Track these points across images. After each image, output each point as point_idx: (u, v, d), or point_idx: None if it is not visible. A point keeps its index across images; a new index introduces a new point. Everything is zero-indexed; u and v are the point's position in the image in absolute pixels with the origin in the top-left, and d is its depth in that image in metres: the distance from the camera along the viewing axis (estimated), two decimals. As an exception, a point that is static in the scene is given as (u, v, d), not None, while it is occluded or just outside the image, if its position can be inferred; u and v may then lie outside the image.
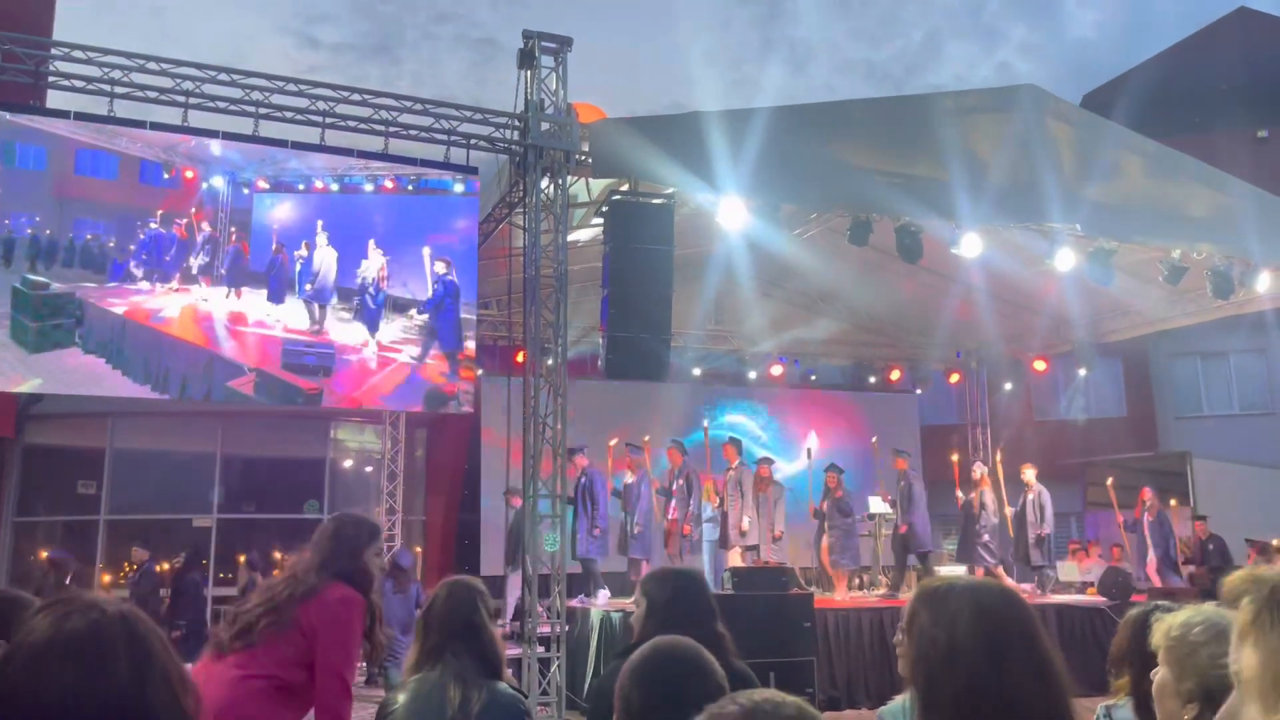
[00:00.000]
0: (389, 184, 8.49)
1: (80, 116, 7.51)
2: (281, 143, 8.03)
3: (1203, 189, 9.98)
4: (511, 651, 7.36)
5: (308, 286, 8.07)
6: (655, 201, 8.20)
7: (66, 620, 1.24)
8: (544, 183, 8.23)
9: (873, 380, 15.75)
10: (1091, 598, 10.68)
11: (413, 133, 8.21)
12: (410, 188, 8.53)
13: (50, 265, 7.34)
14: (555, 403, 8.03)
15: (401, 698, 2.64)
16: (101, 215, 7.66)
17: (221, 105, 7.75)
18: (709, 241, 9.89)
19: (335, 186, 8.31)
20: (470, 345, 8.63)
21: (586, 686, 8.57)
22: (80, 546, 13.76)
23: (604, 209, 8.34)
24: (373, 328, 8.19)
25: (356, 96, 8.09)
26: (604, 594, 10.26)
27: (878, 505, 11.64)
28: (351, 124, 8.09)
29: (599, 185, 8.89)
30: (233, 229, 7.96)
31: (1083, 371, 14.29)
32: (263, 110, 7.79)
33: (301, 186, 8.20)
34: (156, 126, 7.68)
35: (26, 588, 9.25)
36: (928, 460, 14.85)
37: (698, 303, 11.91)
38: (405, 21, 58.17)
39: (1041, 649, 1.62)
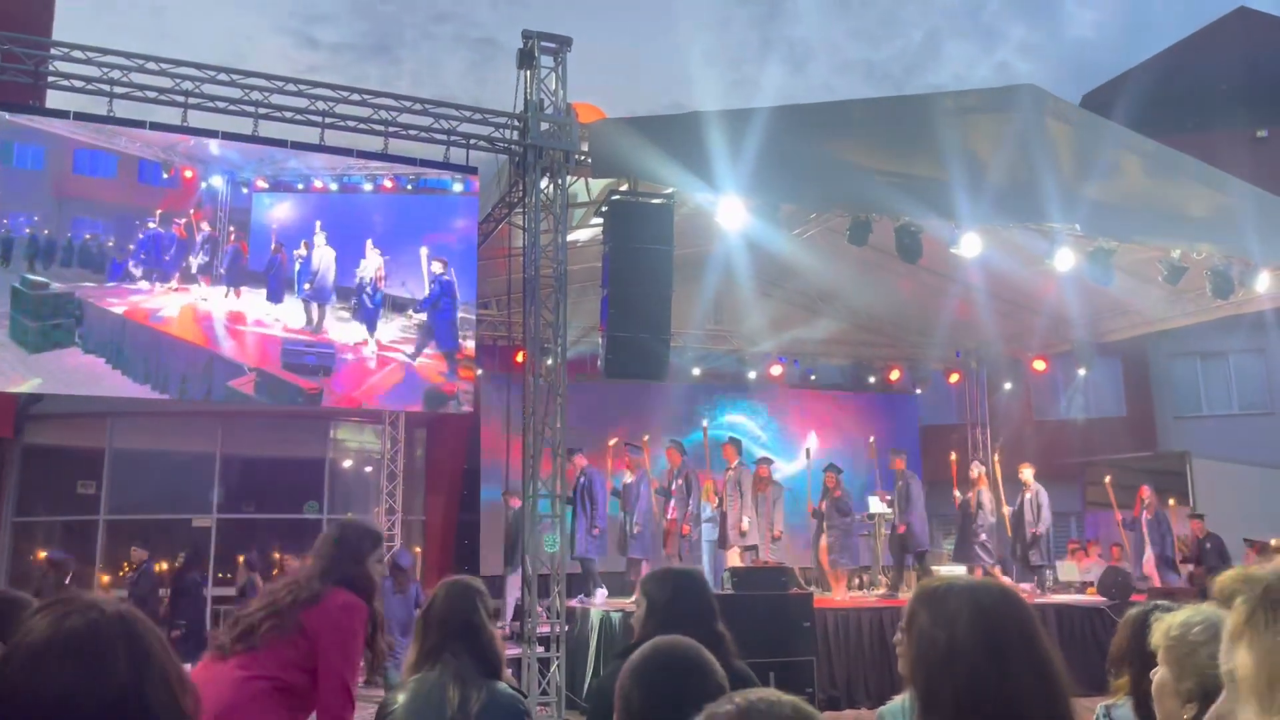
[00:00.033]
0: (388, 183, 8.48)
1: (80, 116, 7.51)
2: (281, 143, 8.03)
3: (1202, 189, 9.98)
4: (511, 651, 7.36)
5: (306, 286, 8.07)
6: (655, 201, 8.20)
7: (65, 620, 1.24)
8: (543, 183, 8.23)
9: (872, 380, 15.75)
10: (1091, 597, 10.69)
11: (412, 133, 8.21)
12: (409, 187, 8.53)
13: (49, 265, 7.33)
14: (555, 403, 8.03)
15: (401, 697, 2.64)
16: (100, 215, 7.65)
17: (221, 105, 7.75)
18: (708, 241, 9.90)
19: (334, 186, 8.31)
20: (470, 345, 8.63)
21: (586, 686, 8.57)
22: (80, 547, 13.75)
23: (603, 209, 8.34)
24: (371, 327, 8.20)
25: (356, 96, 8.09)
26: (601, 593, 10.27)
27: (877, 505, 11.64)
28: (351, 124, 8.09)
29: (598, 185, 8.89)
30: (231, 228, 7.95)
31: (1082, 371, 14.30)
32: (262, 110, 7.78)
33: (300, 186, 8.20)
34: (156, 126, 7.68)
35: (26, 588, 9.24)
36: (927, 460, 14.86)
37: (697, 302, 11.91)
38: (404, 21, 58.22)
39: (1041, 648, 1.62)
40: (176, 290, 7.71)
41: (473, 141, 8.32)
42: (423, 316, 8.37)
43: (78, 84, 7.37)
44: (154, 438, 14.49)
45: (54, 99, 8.20)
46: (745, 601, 8.11)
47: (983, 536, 11.54)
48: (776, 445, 14.33)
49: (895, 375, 15.49)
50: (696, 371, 14.41)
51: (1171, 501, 12.90)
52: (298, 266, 8.07)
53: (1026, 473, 11.92)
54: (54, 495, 14.89)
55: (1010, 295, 12.34)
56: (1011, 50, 59.91)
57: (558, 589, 7.84)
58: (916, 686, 1.64)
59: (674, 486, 11.07)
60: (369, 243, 8.30)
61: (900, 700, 2.36)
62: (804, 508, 11.94)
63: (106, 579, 14.13)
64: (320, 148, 8.00)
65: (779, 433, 14.89)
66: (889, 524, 11.64)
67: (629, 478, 11.21)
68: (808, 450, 12.78)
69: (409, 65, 54.24)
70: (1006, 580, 10.82)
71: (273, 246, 8.05)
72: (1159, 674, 2.05)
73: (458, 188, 8.58)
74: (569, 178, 8.29)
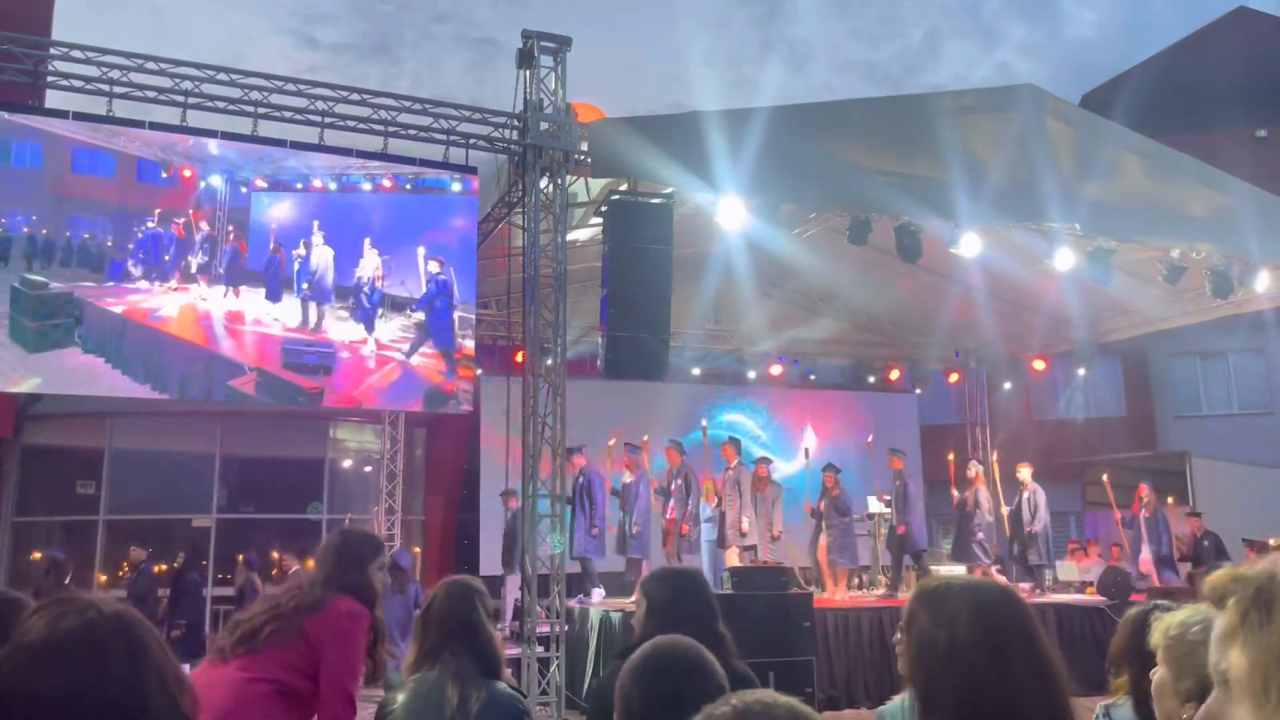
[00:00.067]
0: (386, 183, 8.48)
1: (79, 116, 7.50)
2: (280, 142, 8.03)
3: (1202, 188, 9.99)
4: (511, 651, 7.36)
5: (305, 286, 8.07)
6: (654, 201, 8.20)
7: (62, 620, 1.24)
8: (543, 182, 8.23)
9: (872, 380, 15.76)
10: (1090, 597, 10.70)
11: (412, 132, 8.21)
12: (408, 187, 8.52)
13: (47, 264, 7.32)
14: (554, 402, 8.03)
15: (400, 697, 2.64)
16: (98, 214, 7.64)
17: (220, 105, 7.74)
18: (708, 241, 9.90)
19: (333, 185, 8.30)
20: (469, 344, 8.62)
21: (586, 686, 8.57)
22: (79, 547, 13.76)
23: (603, 208, 8.34)
24: (369, 326, 8.19)
25: (355, 96, 8.08)
26: (598, 593, 10.27)
27: (876, 505, 11.64)
28: (350, 124, 8.09)
29: (598, 185, 8.89)
30: (230, 228, 7.95)
31: (1082, 371, 14.30)
32: (262, 110, 7.78)
33: (299, 185, 8.20)
34: (155, 126, 7.67)
35: (25, 589, 9.23)
36: (927, 460, 14.85)
37: (697, 302, 11.92)
38: (404, 21, 58.10)
39: (1041, 648, 1.62)
40: (176, 290, 7.70)
41: (472, 141, 8.32)
42: (420, 316, 8.37)
43: (77, 84, 7.36)
44: (153, 438, 14.49)
45: (53, 99, 8.20)
46: (745, 601, 8.10)
47: (979, 535, 11.55)
48: (776, 445, 14.33)
49: (895, 375, 15.50)
50: (696, 371, 14.41)
51: (1170, 500, 12.90)
52: (296, 266, 8.07)
53: (1024, 472, 11.93)
54: (53, 495, 14.89)
55: (1010, 295, 12.35)
56: (1011, 50, 59.92)
57: (558, 589, 7.84)
58: (916, 686, 1.63)
59: (673, 486, 11.07)
60: (367, 242, 8.29)
61: (900, 700, 2.36)
62: (802, 507, 11.93)
63: (104, 579, 14.12)
64: (320, 148, 8.00)
65: (778, 432, 14.89)
66: (888, 524, 11.65)
67: (628, 477, 11.20)
68: (806, 450, 12.77)
69: (409, 65, 54.25)
70: (1003, 580, 10.82)
71: (271, 246, 8.04)
72: (1158, 673, 2.05)
73: (456, 187, 8.57)
74: (569, 177, 8.29)
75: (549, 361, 8.23)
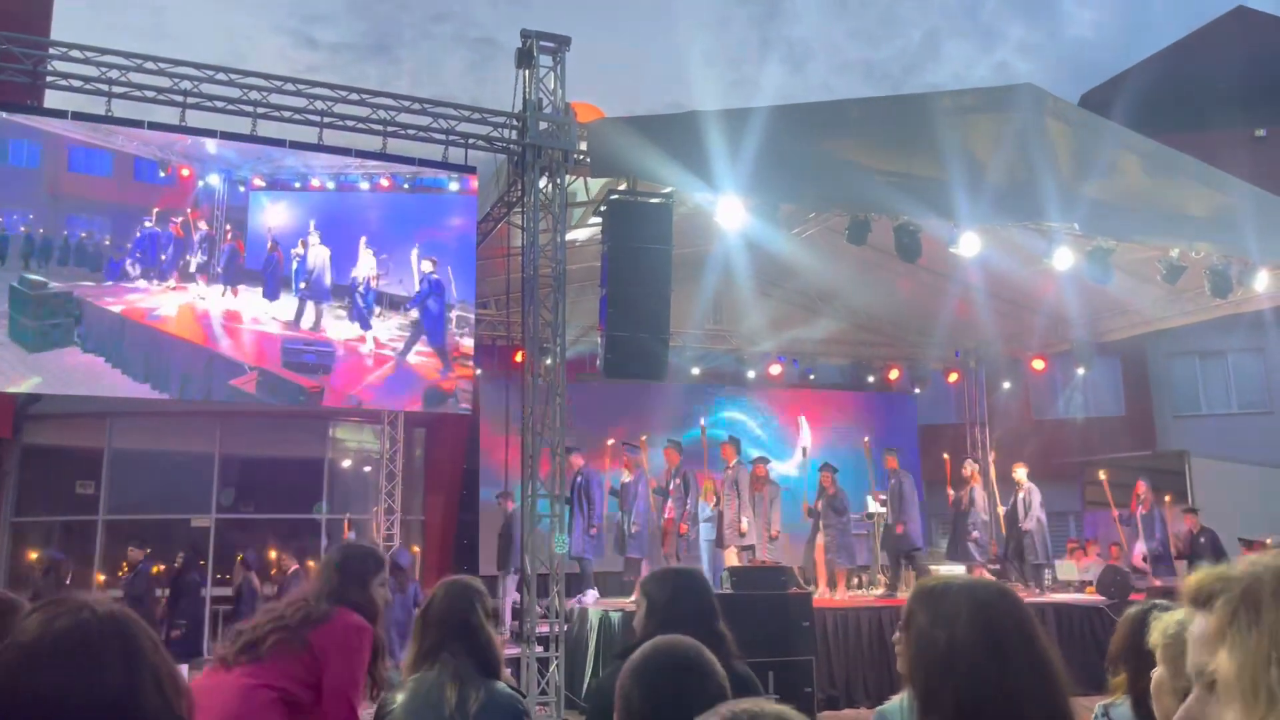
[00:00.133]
0: (385, 182, 8.48)
1: (78, 116, 7.49)
2: (279, 142, 8.02)
3: (1201, 188, 9.99)
4: (510, 651, 7.35)
5: (303, 285, 8.06)
6: (653, 201, 8.20)
7: (56, 620, 1.24)
8: (542, 182, 8.22)
9: (871, 380, 15.74)
10: (1090, 596, 10.70)
11: (411, 132, 8.20)
12: (406, 186, 8.52)
13: (45, 264, 7.31)
14: (553, 402, 8.02)
15: (399, 697, 2.64)
16: (95, 213, 7.63)
17: (219, 105, 7.73)
18: (707, 241, 9.89)
19: (332, 185, 8.30)
20: (467, 343, 8.61)
21: (585, 686, 8.56)
22: (79, 547, 13.74)
23: (602, 208, 8.33)
24: (365, 325, 8.19)
25: (354, 96, 8.08)
26: (592, 594, 10.25)
27: (874, 505, 11.64)
28: (349, 123, 8.08)
29: (597, 184, 8.88)
30: (228, 227, 7.94)
31: (1081, 370, 14.30)
32: (261, 110, 7.77)
33: (298, 185, 8.19)
34: (154, 126, 7.67)
35: (24, 589, 9.24)
36: (926, 460, 14.84)
37: (696, 302, 11.91)
38: (403, 21, 58.11)
39: (1040, 646, 1.62)
40: (174, 289, 7.69)
41: (471, 141, 8.31)
42: (414, 314, 8.37)
43: (76, 83, 7.35)
44: (153, 437, 14.47)
45: (52, 98, 8.19)
46: (744, 601, 8.09)
47: (975, 534, 11.55)
48: (775, 445, 14.32)
49: (894, 375, 15.49)
50: (695, 371, 14.40)
51: (1168, 499, 12.91)
52: (294, 265, 8.06)
53: (1020, 472, 11.94)
54: (53, 495, 14.86)
55: (1009, 295, 12.35)
56: (1010, 50, 59.94)
57: (557, 589, 7.83)
58: (915, 685, 1.63)
59: (672, 486, 11.06)
60: (363, 241, 8.29)
61: (899, 699, 2.36)
62: (800, 507, 11.93)
63: (102, 579, 14.11)
64: (318, 147, 7.99)
65: (778, 432, 14.88)
66: (885, 523, 11.64)
67: (627, 477, 11.20)
68: (804, 449, 12.75)
69: (408, 65, 54.23)
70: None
71: (269, 245, 8.04)
72: (1157, 672, 2.05)
73: (454, 187, 8.57)
74: (568, 177, 8.29)
75: (548, 361, 8.22)
